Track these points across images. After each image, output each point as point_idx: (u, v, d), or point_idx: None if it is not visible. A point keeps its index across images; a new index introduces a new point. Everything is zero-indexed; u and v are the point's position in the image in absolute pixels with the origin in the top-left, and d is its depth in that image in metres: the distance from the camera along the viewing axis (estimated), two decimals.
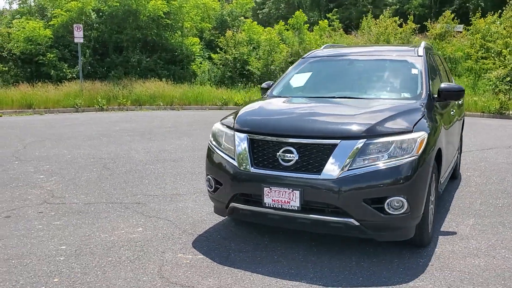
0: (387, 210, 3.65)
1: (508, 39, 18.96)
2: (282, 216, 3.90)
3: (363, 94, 4.85)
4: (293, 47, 21.95)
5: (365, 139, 3.71)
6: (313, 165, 3.76)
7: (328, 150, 3.74)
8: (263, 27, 23.54)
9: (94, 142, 9.85)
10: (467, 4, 49.78)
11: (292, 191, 3.74)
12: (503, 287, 3.48)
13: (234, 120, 4.32)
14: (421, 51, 5.31)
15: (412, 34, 22.06)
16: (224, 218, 4.99)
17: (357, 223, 3.66)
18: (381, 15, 22.25)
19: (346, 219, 3.69)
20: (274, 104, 4.83)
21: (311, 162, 3.77)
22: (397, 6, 47.24)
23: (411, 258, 4.00)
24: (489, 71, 18.56)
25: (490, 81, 18.15)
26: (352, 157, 3.67)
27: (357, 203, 3.64)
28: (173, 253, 4.11)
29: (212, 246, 4.28)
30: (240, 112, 4.49)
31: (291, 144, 3.84)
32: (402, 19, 22.18)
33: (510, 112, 16.35)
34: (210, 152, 4.44)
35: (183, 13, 20.95)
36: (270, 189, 3.82)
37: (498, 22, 20.68)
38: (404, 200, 3.65)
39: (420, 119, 4.05)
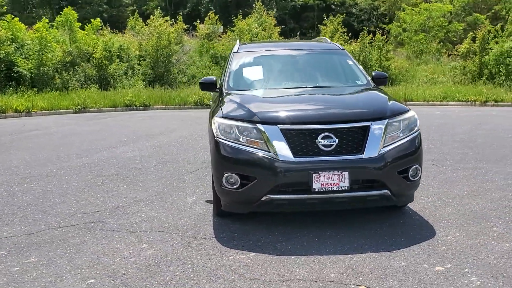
0: (410, 178, 4.30)
1: (271, 38, 21.82)
2: (322, 199, 4.13)
3: (331, 83, 5.37)
4: (64, 46, 20.33)
5: (387, 120, 4.28)
6: (352, 146, 4.13)
7: (362, 132, 4.16)
8: (24, 25, 20.94)
9: None
10: (199, 8, 54.14)
11: (341, 172, 4.03)
12: (489, 222, 4.55)
13: (253, 114, 4.27)
14: (339, 45, 6.11)
15: (184, 34, 23.07)
16: (211, 218, 4.83)
17: (389, 193, 4.20)
18: (152, 15, 22.48)
19: (382, 191, 4.18)
20: (278, 96, 4.93)
21: (350, 144, 4.13)
22: (134, 7, 48.15)
23: (408, 218, 4.77)
24: None
25: None
26: (384, 136, 4.18)
27: (393, 175, 4.19)
28: (222, 257, 3.89)
29: (245, 244, 4.18)
30: (254, 106, 4.44)
31: (329, 130, 4.11)
32: (173, 19, 22.90)
33: None
34: (225, 149, 4.28)
35: None
36: (319, 174, 4.02)
37: (256, 24, 23.48)
38: (419, 167, 4.38)
39: (399, 101, 4.82)
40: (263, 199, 4.14)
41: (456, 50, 22.78)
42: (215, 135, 4.39)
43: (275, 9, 52.81)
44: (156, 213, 5.06)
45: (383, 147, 4.16)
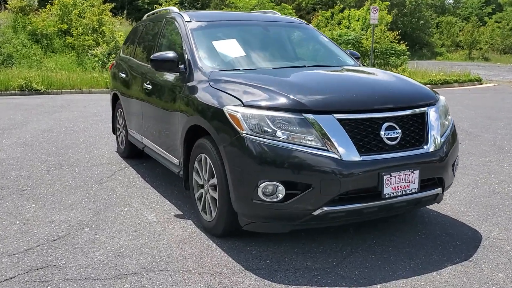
0: (454, 171, 3.73)
1: (102, 16, 19.51)
2: (382, 206, 3.29)
3: (324, 61, 4.55)
4: None
5: (435, 104, 3.62)
6: (415, 138, 3.38)
7: (421, 120, 3.44)
8: None
9: None
10: None
11: (412, 172, 3.25)
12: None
13: (293, 100, 3.17)
14: (300, 19, 5.29)
15: None
16: (210, 242, 3.58)
17: (441, 191, 3.57)
18: None
19: (437, 190, 3.51)
20: (294, 76, 3.78)
21: (413, 135, 3.37)
22: None
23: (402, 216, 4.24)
24: (92, 47, 18.60)
25: (96, 57, 18.24)
26: (438, 123, 3.52)
27: (449, 170, 3.56)
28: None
29: (298, 275, 3.13)
30: (286, 89, 3.30)
31: (391, 119, 3.28)
32: None
33: None
34: (260, 149, 3.10)
35: None
36: (390, 175, 3.17)
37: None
38: (459, 158, 3.84)
39: None
40: (316, 213, 3.12)
41: None
42: (240, 130, 3.16)
43: None
44: (125, 243, 3.57)
45: (441, 136, 3.50)
